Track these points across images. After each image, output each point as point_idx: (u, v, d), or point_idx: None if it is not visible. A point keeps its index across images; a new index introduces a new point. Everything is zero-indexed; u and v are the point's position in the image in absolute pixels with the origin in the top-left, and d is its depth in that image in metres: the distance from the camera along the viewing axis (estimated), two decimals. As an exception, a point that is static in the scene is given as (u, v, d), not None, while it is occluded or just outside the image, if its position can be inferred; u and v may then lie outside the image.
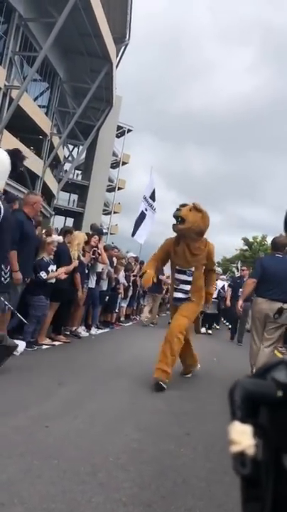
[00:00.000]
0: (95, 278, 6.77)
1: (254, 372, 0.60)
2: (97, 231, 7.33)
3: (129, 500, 1.92)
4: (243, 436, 0.45)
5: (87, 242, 6.42)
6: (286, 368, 0.51)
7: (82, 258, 6.07)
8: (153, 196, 11.40)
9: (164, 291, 12.11)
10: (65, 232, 5.94)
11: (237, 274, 11.97)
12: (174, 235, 4.47)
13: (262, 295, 4.79)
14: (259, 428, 0.49)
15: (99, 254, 6.58)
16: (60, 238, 5.47)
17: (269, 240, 39.35)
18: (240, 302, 5.42)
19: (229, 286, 10.65)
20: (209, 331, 10.65)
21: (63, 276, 5.28)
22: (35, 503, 1.78)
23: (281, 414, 0.47)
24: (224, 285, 10.83)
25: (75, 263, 5.68)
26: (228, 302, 10.25)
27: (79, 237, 6.12)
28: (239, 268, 12.20)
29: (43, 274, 4.89)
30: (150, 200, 11.31)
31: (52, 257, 5.18)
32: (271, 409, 0.49)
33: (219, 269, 12.47)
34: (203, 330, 10.56)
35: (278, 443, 0.47)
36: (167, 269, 12.42)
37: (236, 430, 0.46)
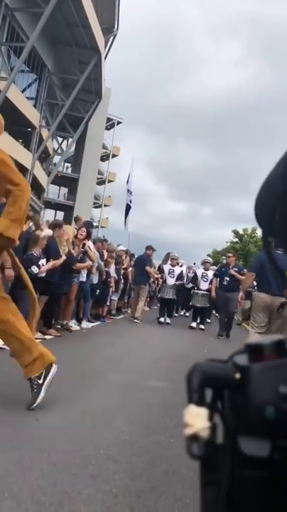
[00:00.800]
0: (86, 271, 6.75)
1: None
2: (87, 225, 7.29)
3: (120, 491, 1.94)
4: (197, 419, 0.45)
5: (76, 236, 6.39)
6: (248, 351, 0.51)
7: (72, 251, 6.05)
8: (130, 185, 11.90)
9: (153, 283, 11.69)
10: (54, 225, 5.90)
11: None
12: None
13: (263, 290, 5.04)
14: (218, 412, 0.49)
15: (86, 252, 6.52)
16: (50, 232, 5.45)
17: (259, 232, 39.60)
18: (241, 294, 5.99)
19: (215, 275, 9.55)
20: (202, 326, 9.84)
21: (48, 267, 5.28)
22: (26, 496, 1.78)
23: (238, 396, 0.47)
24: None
25: (63, 258, 5.66)
26: (213, 293, 9.46)
27: (69, 232, 6.09)
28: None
29: (35, 269, 4.87)
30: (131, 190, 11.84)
31: (41, 250, 5.16)
32: (229, 392, 0.50)
33: (209, 259, 11.14)
34: (194, 324, 9.85)
35: (235, 426, 0.48)
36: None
37: (191, 413, 0.46)
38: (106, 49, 25.00)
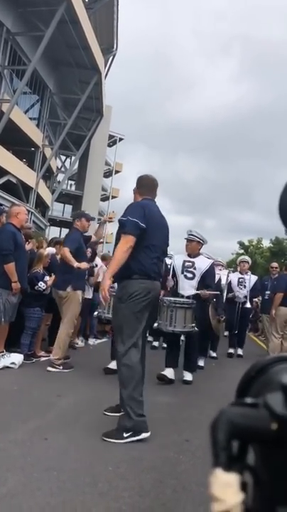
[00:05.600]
0: (92, 288, 6.77)
1: (243, 376, 0.50)
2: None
3: (129, 508, 1.93)
4: (227, 492, 0.35)
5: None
6: (285, 393, 0.39)
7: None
8: None
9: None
10: (55, 243, 5.96)
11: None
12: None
13: (284, 305, 6.34)
14: (249, 471, 0.39)
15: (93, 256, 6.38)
16: (53, 250, 5.51)
17: (265, 243, 39.58)
18: (271, 312, 6.59)
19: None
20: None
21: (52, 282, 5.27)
22: (36, 515, 1.79)
23: (276, 453, 0.37)
24: (230, 280, 7.11)
25: None
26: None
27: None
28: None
29: (42, 285, 4.91)
30: None
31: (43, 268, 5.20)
32: (263, 446, 0.39)
33: (220, 260, 7.65)
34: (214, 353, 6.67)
35: (272, 491, 0.38)
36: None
37: (219, 483, 0.36)
38: (106, 68, 25.50)
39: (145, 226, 2.97)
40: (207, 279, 4.77)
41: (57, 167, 29.33)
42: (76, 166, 30.97)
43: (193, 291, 4.67)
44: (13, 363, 4.41)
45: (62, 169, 30.29)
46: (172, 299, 4.44)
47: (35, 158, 22.71)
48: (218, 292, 4.93)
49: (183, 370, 4.71)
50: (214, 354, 6.73)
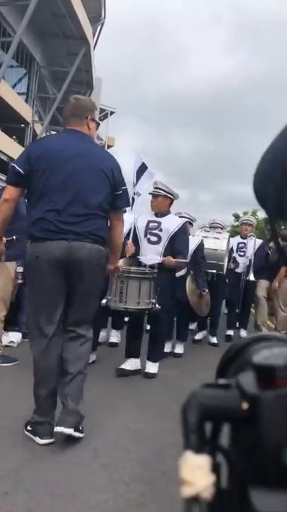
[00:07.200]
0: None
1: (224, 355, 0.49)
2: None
3: (131, 479, 1.97)
4: (197, 475, 0.35)
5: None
6: (257, 374, 0.39)
7: None
8: (139, 175, 11.00)
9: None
10: None
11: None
12: None
13: None
14: (221, 452, 0.39)
15: None
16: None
17: (259, 215, 39.70)
18: (274, 284, 5.81)
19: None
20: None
21: None
22: (39, 489, 1.82)
23: (246, 433, 0.37)
24: (231, 246, 5.81)
25: None
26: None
27: None
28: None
29: None
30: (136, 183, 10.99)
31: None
32: (234, 426, 0.39)
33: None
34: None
35: (243, 471, 0.37)
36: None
37: (189, 465, 0.35)
38: (95, 38, 24.69)
39: (21, 170, 2.24)
40: (177, 244, 3.69)
41: (49, 143, 28.83)
42: (67, 142, 30.44)
43: (158, 259, 3.64)
44: (11, 342, 4.44)
45: (54, 145, 29.77)
46: (125, 268, 3.39)
47: (26, 134, 22.26)
48: (186, 260, 3.81)
49: (147, 359, 3.77)
50: (214, 340, 5.64)
